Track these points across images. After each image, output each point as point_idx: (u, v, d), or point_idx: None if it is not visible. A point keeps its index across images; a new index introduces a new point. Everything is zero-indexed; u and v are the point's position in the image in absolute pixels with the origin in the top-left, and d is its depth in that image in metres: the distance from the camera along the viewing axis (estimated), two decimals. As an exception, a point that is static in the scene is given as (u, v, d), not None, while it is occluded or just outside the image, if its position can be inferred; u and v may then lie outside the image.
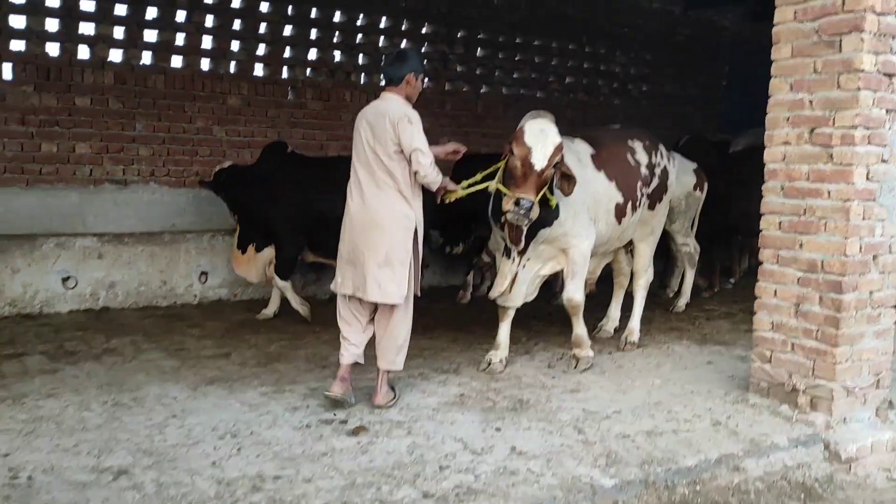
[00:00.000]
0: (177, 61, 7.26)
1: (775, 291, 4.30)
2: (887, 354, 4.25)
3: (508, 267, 4.76)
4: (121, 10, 6.87)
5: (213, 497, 2.96)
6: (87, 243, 6.36)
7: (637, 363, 5.19)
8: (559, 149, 4.38)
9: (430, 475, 3.25)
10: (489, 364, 4.86)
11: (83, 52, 6.79)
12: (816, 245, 4.08)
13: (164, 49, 7.11)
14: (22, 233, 6.26)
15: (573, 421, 3.98)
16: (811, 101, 4.06)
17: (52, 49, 6.68)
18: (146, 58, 7.07)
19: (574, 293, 4.91)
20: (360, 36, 8.17)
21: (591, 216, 4.94)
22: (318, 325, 5.96)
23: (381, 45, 8.32)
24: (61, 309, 6.21)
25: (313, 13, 7.85)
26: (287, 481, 3.12)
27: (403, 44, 8.44)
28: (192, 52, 7.27)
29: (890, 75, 3.94)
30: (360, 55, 8.20)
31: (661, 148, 5.64)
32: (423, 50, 8.53)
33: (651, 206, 5.54)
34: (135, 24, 6.94)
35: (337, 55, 8.08)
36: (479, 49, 9.00)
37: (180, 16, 7.17)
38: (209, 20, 7.31)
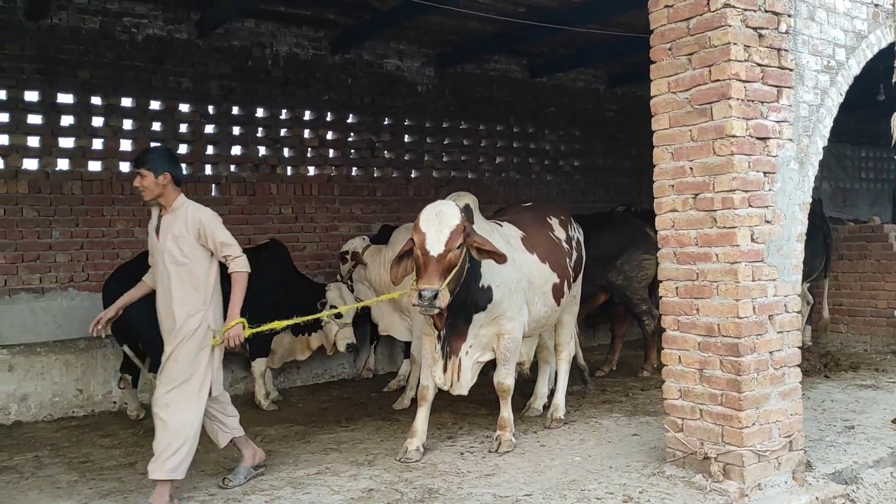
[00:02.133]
0: (95, 166, 7.24)
1: (679, 358, 4.28)
2: (797, 415, 4.20)
3: (438, 353, 4.69)
4: (35, 119, 6.88)
5: None
6: (-3, 355, 6.17)
7: (560, 440, 5.08)
8: (460, 229, 4.32)
9: (315, 581, 3.08)
10: (406, 452, 4.71)
11: (-4, 163, 6.75)
12: (711, 308, 4.07)
13: (80, 155, 7.10)
14: (-68, 349, 6.06)
15: (479, 509, 3.83)
16: (692, 168, 4.13)
17: (-36, 163, 6.63)
18: (62, 164, 7.04)
19: (505, 378, 4.85)
20: (283, 130, 8.25)
21: (525, 299, 4.90)
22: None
23: (305, 137, 8.41)
24: None
25: (235, 110, 7.94)
26: None
27: (329, 135, 8.55)
28: (110, 155, 7.26)
29: (763, 138, 4.03)
30: (285, 148, 8.26)
31: (571, 221, 5.74)
32: (348, 139, 8.65)
33: (575, 279, 5.57)
34: (49, 132, 6.93)
35: (261, 149, 8.13)
36: (405, 136, 9.14)
37: (97, 121, 7.19)
38: (127, 124, 7.33)
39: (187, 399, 3.95)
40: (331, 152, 8.59)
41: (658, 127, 4.30)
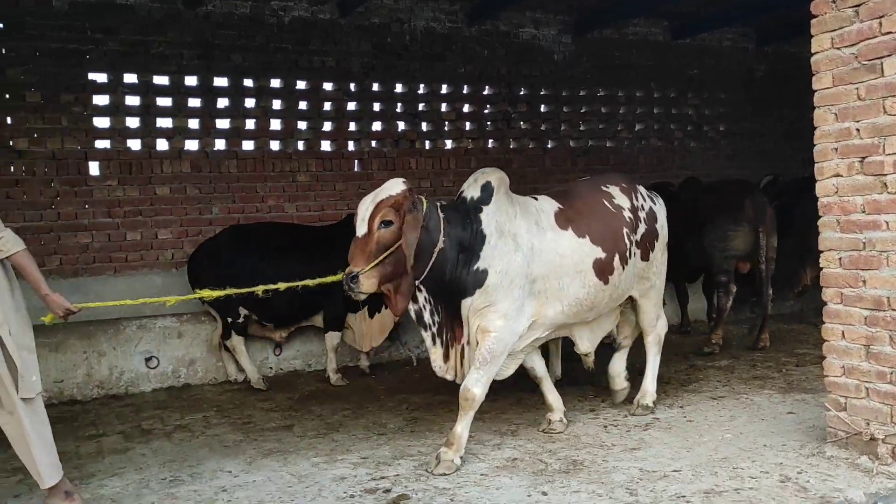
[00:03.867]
0: (248, 145, 7.65)
1: (843, 333, 4.01)
2: (979, 395, 3.84)
3: (430, 341, 4.29)
4: (194, 102, 7.34)
5: (243, 573, 2.98)
6: (167, 323, 6.70)
7: (709, 416, 4.91)
8: (389, 208, 3.92)
9: (465, 545, 3.16)
10: (549, 424, 4.73)
11: (161, 144, 7.26)
12: (880, 280, 3.79)
13: (235, 135, 7.52)
14: (111, 318, 6.65)
15: (627, 482, 3.79)
16: (858, 130, 3.84)
17: (134, 144, 7.18)
18: (219, 144, 7.48)
19: (473, 384, 4.12)
20: (421, 104, 8.38)
21: (539, 290, 4.27)
22: (385, 393, 6.00)
23: (442, 110, 8.50)
24: (145, 388, 6.52)
25: (375, 87, 8.14)
26: (318, 555, 3.11)
27: (465, 108, 8.60)
28: (261, 135, 7.65)
29: (941, 94, 3.68)
30: (423, 123, 8.39)
31: (642, 190, 5.02)
32: (484, 111, 8.66)
33: (644, 257, 4.85)
34: (207, 114, 7.38)
35: (400, 125, 8.30)
36: (542, 105, 9.03)
37: (249, 103, 7.58)
38: (276, 104, 7.69)
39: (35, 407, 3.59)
40: (467, 125, 8.65)
41: (820, 86, 4.01)
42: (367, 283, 3.90)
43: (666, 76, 9.61)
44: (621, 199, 4.77)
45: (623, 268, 4.63)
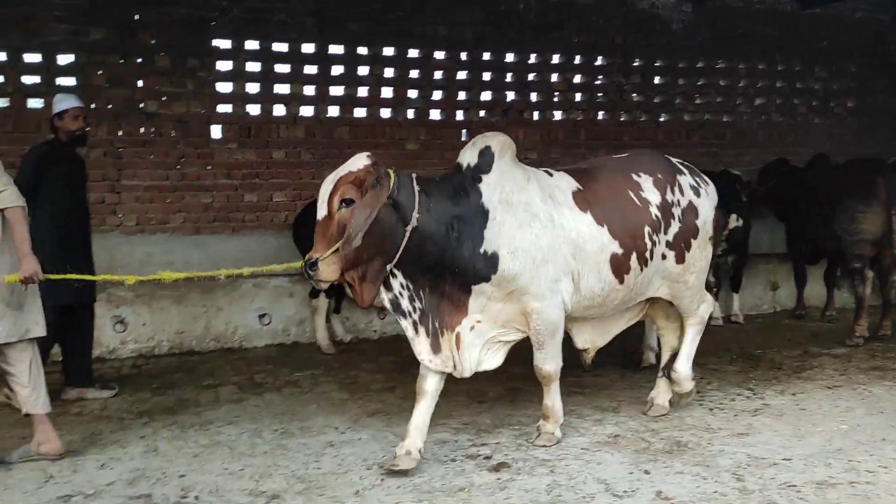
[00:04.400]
0: (360, 112, 7.79)
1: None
2: None
3: (412, 330, 3.81)
4: (310, 69, 7.53)
5: (350, 525, 3.10)
6: (280, 283, 6.98)
7: (823, 405, 4.72)
8: (345, 180, 3.48)
9: (565, 516, 3.18)
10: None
11: (279, 110, 7.50)
12: None
13: (348, 102, 7.67)
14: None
15: (733, 467, 3.70)
16: None
17: (253, 109, 7.45)
18: (333, 111, 7.66)
19: (543, 363, 3.95)
20: (531, 74, 8.29)
21: (568, 269, 3.88)
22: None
23: (553, 81, 8.39)
24: (257, 343, 6.83)
25: (486, 56, 8.10)
26: (421, 514, 3.20)
27: (576, 79, 8.46)
28: (373, 102, 7.77)
29: None
30: (533, 93, 8.31)
31: (684, 180, 4.37)
32: (596, 82, 8.49)
33: (679, 259, 4.28)
34: (322, 81, 7.56)
35: (510, 95, 8.25)
36: (656, 77, 8.77)
37: (362, 70, 7.71)
38: (388, 72, 7.78)
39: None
40: (577, 96, 8.51)
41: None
42: (327, 271, 3.45)
43: (792, 48, 9.12)
44: (651, 193, 4.17)
45: (641, 269, 4.10)
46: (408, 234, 3.54)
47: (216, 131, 7.33)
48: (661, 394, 4.60)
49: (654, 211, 4.15)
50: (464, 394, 5.12)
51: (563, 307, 3.90)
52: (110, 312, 6.44)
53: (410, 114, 7.92)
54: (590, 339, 4.42)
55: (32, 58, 6.72)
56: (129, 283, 4.27)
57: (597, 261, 3.94)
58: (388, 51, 7.76)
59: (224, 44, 7.24)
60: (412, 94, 7.90)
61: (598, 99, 8.56)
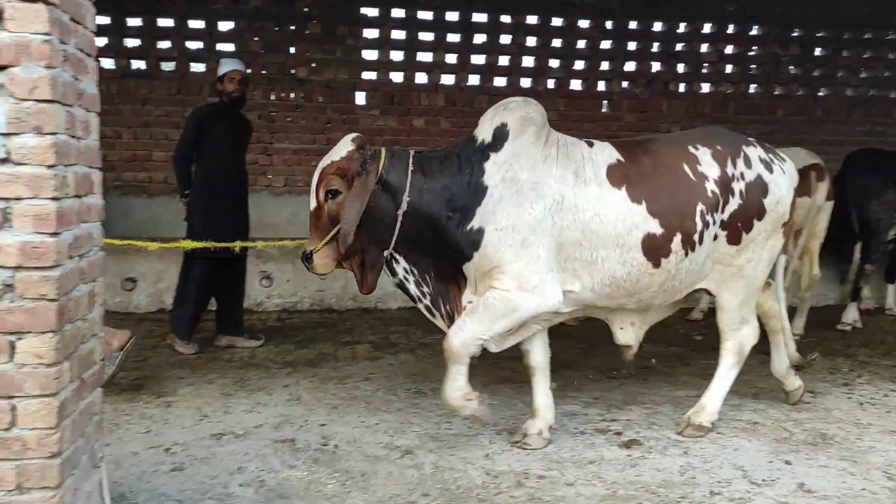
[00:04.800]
0: (500, 81, 7.78)
1: None
2: None
3: (428, 312, 3.68)
4: (453, 38, 7.58)
5: (480, 486, 3.17)
6: (415, 248, 7.13)
7: None
8: (328, 171, 3.40)
9: (699, 499, 3.11)
10: (524, 436, 3.67)
11: (421, 78, 7.62)
12: None
13: (488, 70, 7.68)
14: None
15: (885, 465, 3.49)
16: None
17: (396, 77, 7.61)
18: (473, 80, 7.69)
19: (455, 332, 3.45)
20: (679, 44, 7.98)
21: (567, 257, 3.45)
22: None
23: (702, 51, 8.04)
24: (392, 305, 7.04)
25: (632, 25, 7.87)
26: (550, 482, 3.22)
27: (728, 49, 8.06)
28: (513, 71, 7.74)
29: None
30: (680, 64, 8.00)
31: (752, 152, 3.75)
32: (749, 53, 8.07)
33: (733, 239, 3.69)
34: (465, 49, 7.60)
35: (655, 65, 7.98)
36: (816, 48, 8.21)
37: (504, 39, 7.68)
38: (530, 41, 7.72)
39: None
40: (728, 67, 8.13)
41: None
42: (321, 263, 3.48)
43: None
44: (708, 167, 3.62)
45: (686, 253, 3.55)
46: (400, 218, 3.40)
47: (361, 98, 7.55)
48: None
49: (711, 187, 3.59)
50: (594, 368, 5.09)
51: (537, 310, 3.43)
52: (258, 268, 6.82)
53: (550, 83, 7.84)
54: (633, 336, 3.91)
55: (196, 24, 7.14)
56: (150, 250, 4.69)
57: (621, 243, 3.46)
58: (532, 19, 7.69)
59: (371, 12, 7.41)
60: (553, 63, 7.81)
61: (750, 71, 8.13)
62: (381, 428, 3.84)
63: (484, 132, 3.53)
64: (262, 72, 7.26)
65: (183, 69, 7.20)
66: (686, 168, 3.59)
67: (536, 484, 3.20)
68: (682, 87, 8.09)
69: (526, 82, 7.79)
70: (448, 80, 7.67)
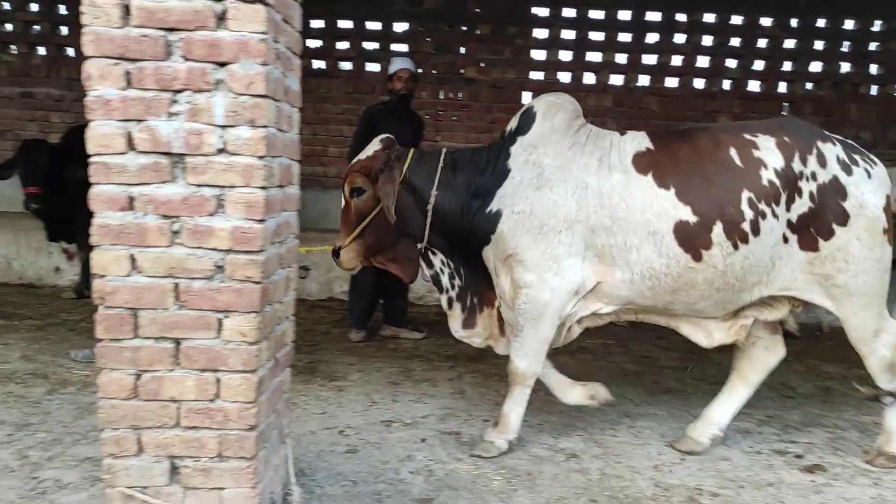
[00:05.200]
0: (671, 82, 7.53)
1: None
2: None
3: (446, 304, 3.75)
4: (624, 37, 7.42)
5: (650, 497, 3.08)
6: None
7: None
8: (352, 170, 3.63)
9: (893, 536, 2.87)
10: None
11: (589, 78, 7.52)
12: None
13: (659, 71, 7.45)
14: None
15: None
16: None
17: (564, 77, 7.54)
18: (643, 80, 7.49)
19: (516, 355, 3.45)
20: (874, 44, 7.38)
21: (602, 244, 3.27)
22: (794, 356, 5.61)
23: (899, 51, 7.41)
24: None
25: (820, 23, 7.37)
26: (724, 500, 3.08)
27: (931, 48, 7.38)
28: (687, 71, 7.46)
29: None
30: (873, 65, 7.40)
31: (829, 149, 3.33)
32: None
33: (808, 245, 3.30)
34: (636, 49, 7.42)
35: (844, 66, 7.43)
36: None
37: (678, 38, 7.42)
38: (706, 40, 7.41)
39: None
40: (931, 69, 7.43)
41: None
42: (347, 259, 3.67)
43: None
44: (768, 155, 3.28)
45: (735, 246, 3.23)
46: (430, 213, 3.51)
47: (527, 97, 7.55)
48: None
49: (769, 176, 3.25)
50: (767, 385, 4.80)
51: (567, 291, 3.32)
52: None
53: (726, 84, 7.50)
54: (715, 338, 3.60)
55: (373, 25, 7.43)
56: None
57: (651, 230, 3.24)
58: (709, 17, 7.39)
59: (542, 12, 7.40)
60: (730, 63, 7.46)
61: (956, 72, 7.40)
62: (544, 429, 3.83)
63: (512, 122, 3.56)
64: (433, 71, 7.43)
65: (359, 68, 7.51)
66: (734, 154, 3.29)
67: (710, 501, 3.07)
68: (874, 90, 7.48)
69: (699, 83, 7.51)
70: (617, 80, 7.52)
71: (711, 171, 3.26)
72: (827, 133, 3.44)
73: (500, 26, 7.37)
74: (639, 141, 3.40)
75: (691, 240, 3.23)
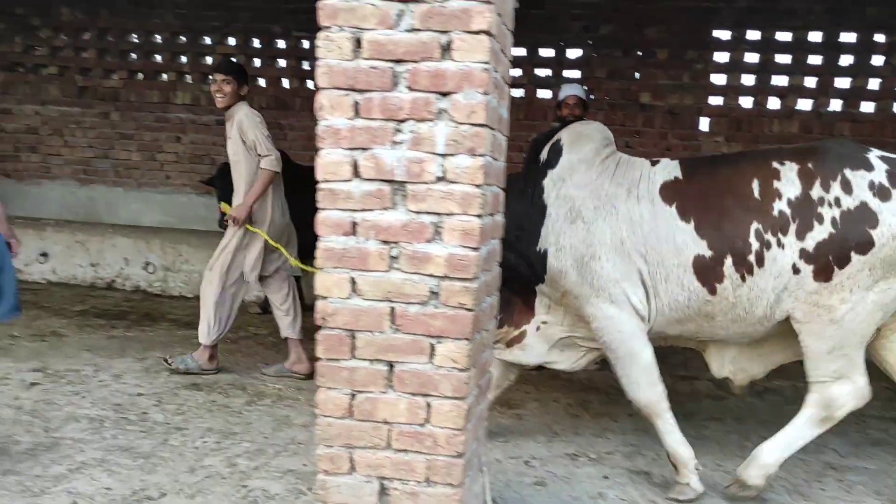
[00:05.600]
0: (867, 107, 7.01)
1: None
2: None
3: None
4: (814, 59, 6.99)
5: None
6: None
7: None
8: None
9: None
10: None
11: (773, 103, 7.13)
12: None
13: (853, 95, 6.95)
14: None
15: None
16: None
17: (746, 102, 7.20)
18: (835, 105, 7.02)
19: (630, 390, 3.40)
20: None
21: (635, 269, 3.26)
22: None
23: None
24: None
25: None
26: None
27: None
28: (885, 96, 6.92)
29: None
30: None
31: (858, 175, 3.05)
32: None
33: (822, 275, 3.07)
34: (827, 72, 6.97)
35: None
36: None
37: (876, 60, 6.90)
38: (908, 62, 6.85)
39: (211, 277, 4.69)
40: None
41: None
42: None
43: None
44: (788, 184, 3.14)
45: (742, 279, 3.15)
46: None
47: (704, 123, 7.27)
48: None
49: (779, 206, 3.13)
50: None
51: (632, 315, 3.29)
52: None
53: (930, 109, 6.87)
54: (730, 367, 3.56)
55: (546, 52, 7.43)
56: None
57: (675, 263, 3.23)
58: (912, 37, 6.82)
59: (723, 35, 7.11)
60: (938, 85, 6.85)
61: None
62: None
63: (544, 152, 3.58)
64: (606, 97, 7.32)
65: (530, 95, 7.53)
66: (755, 185, 3.20)
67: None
68: None
69: (899, 107, 6.92)
70: (804, 104, 7.08)
71: (729, 203, 3.23)
72: (873, 157, 3.14)
73: (678, 51, 7.15)
74: (667, 170, 3.42)
75: (707, 273, 3.22)
